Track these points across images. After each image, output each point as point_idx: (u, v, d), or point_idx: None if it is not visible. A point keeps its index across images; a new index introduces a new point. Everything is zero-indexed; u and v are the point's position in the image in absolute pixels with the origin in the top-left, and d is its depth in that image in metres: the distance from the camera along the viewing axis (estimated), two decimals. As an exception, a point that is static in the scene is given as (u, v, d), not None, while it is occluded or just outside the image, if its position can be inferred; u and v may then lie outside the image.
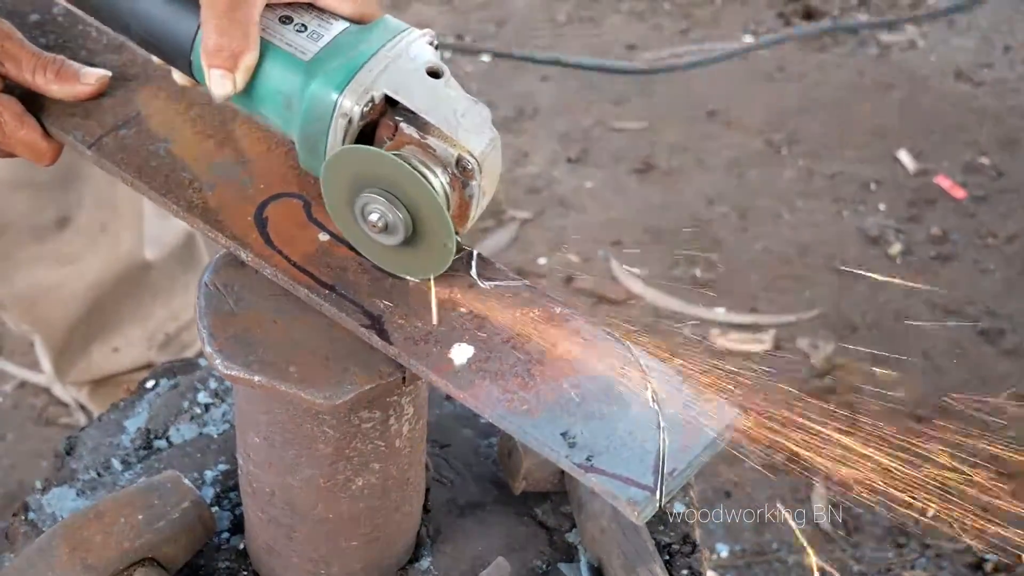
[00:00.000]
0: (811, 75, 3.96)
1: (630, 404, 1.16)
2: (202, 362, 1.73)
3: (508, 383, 1.17)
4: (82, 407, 2.85)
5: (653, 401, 1.16)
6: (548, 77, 3.94)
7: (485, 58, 4.05)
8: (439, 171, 1.16)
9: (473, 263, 1.26)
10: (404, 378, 1.21)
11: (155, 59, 1.34)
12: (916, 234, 3.33)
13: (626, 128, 3.74)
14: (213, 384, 1.68)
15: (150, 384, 1.69)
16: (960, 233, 3.33)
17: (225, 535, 1.51)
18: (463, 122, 1.16)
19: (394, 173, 1.15)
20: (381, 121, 1.18)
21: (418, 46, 1.19)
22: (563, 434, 1.13)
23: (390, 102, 1.18)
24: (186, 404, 1.66)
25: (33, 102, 1.37)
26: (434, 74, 1.18)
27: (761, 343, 2.97)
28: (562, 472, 1.51)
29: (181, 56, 1.25)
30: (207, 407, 1.66)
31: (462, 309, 1.22)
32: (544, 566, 1.48)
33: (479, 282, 1.25)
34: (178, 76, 1.30)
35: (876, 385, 2.85)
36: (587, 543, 1.47)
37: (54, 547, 1.36)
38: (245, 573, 1.47)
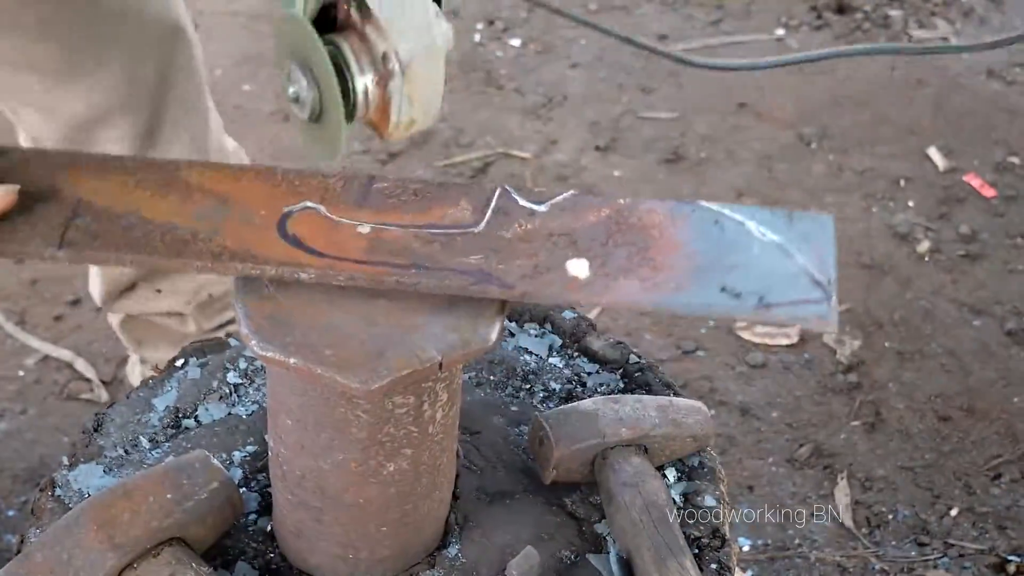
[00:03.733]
0: (842, 70, 3.94)
1: (749, 246, 1.24)
2: (232, 342, 1.72)
3: (640, 273, 1.21)
4: (104, 382, 2.85)
5: (763, 235, 1.24)
6: (578, 65, 3.93)
7: (515, 43, 4.04)
8: (367, 64, 1.18)
9: (516, 195, 1.29)
10: (441, 364, 1.20)
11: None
12: (945, 232, 3.31)
13: (656, 118, 3.72)
14: (243, 364, 1.67)
15: (179, 363, 1.69)
16: (989, 232, 3.30)
17: (253, 516, 1.50)
18: (402, 20, 1.16)
19: (313, 52, 1.16)
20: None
21: None
22: (723, 290, 1.19)
23: None
24: (215, 384, 1.65)
25: None
26: None
27: (787, 337, 2.96)
28: (592, 462, 1.50)
29: None
30: (236, 387, 1.65)
31: (543, 234, 1.25)
32: (573, 557, 1.47)
33: (535, 207, 1.28)
34: None
35: (902, 383, 2.85)
36: (617, 535, 1.45)
37: (81, 524, 1.35)
38: (272, 555, 1.46)
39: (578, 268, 1.22)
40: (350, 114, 1.20)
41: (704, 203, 1.29)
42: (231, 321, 2.46)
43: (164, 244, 1.25)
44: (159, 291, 2.38)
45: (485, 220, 1.27)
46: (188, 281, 2.37)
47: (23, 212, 1.28)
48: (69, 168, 1.34)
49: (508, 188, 1.30)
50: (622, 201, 1.29)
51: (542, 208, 1.28)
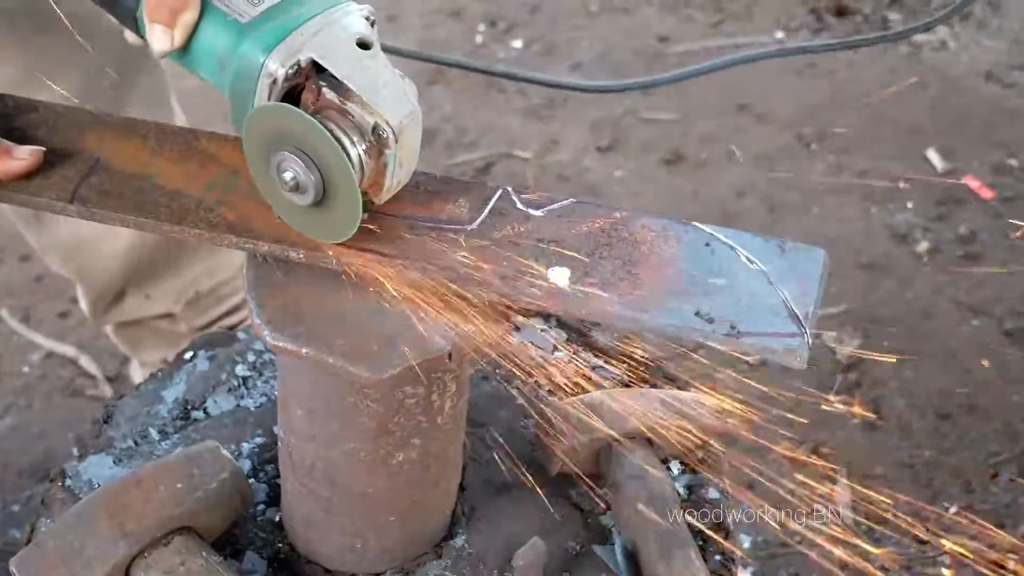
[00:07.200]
0: (842, 71, 3.95)
1: (735, 272, 1.24)
2: (240, 335, 1.73)
3: (619, 288, 1.21)
4: (108, 378, 2.87)
5: (751, 263, 1.24)
6: (580, 65, 3.94)
7: (517, 44, 4.05)
8: (356, 138, 1.19)
9: (515, 197, 1.31)
10: (450, 354, 1.21)
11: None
12: (944, 233, 3.32)
13: (657, 119, 3.73)
14: (251, 357, 1.69)
15: (188, 355, 1.70)
16: (988, 233, 3.32)
17: (261, 507, 1.52)
18: (384, 92, 1.18)
19: (309, 133, 1.17)
20: (307, 85, 1.21)
21: (352, 18, 1.22)
22: (697, 314, 1.19)
23: (317, 68, 1.20)
24: (224, 376, 1.67)
25: None
26: (363, 45, 1.20)
27: (788, 337, 2.97)
28: (598, 455, 1.51)
29: (129, 14, 1.26)
30: (245, 380, 1.66)
31: (532, 239, 1.26)
32: (578, 548, 1.48)
33: (531, 212, 1.29)
34: (130, 36, 1.30)
35: (901, 382, 2.87)
36: (622, 526, 1.47)
37: (93, 513, 1.37)
38: (281, 545, 1.48)
39: (559, 277, 1.22)
40: None
41: (699, 225, 1.29)
42: (220, 317, 2.47)
43: (168, 211, 1.29)
44: (148, 296, 2.38)
45: (480, 219, 1.29)
46: (176, 280, 2.38)
47: (45, 166, 1.33)
48: (94, 127, 1.39)
49: (510, 190, 1.32)
50: (618, 214, 1.29)
51: (539, 213, 1.29)
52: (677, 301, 1.20)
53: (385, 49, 1.25)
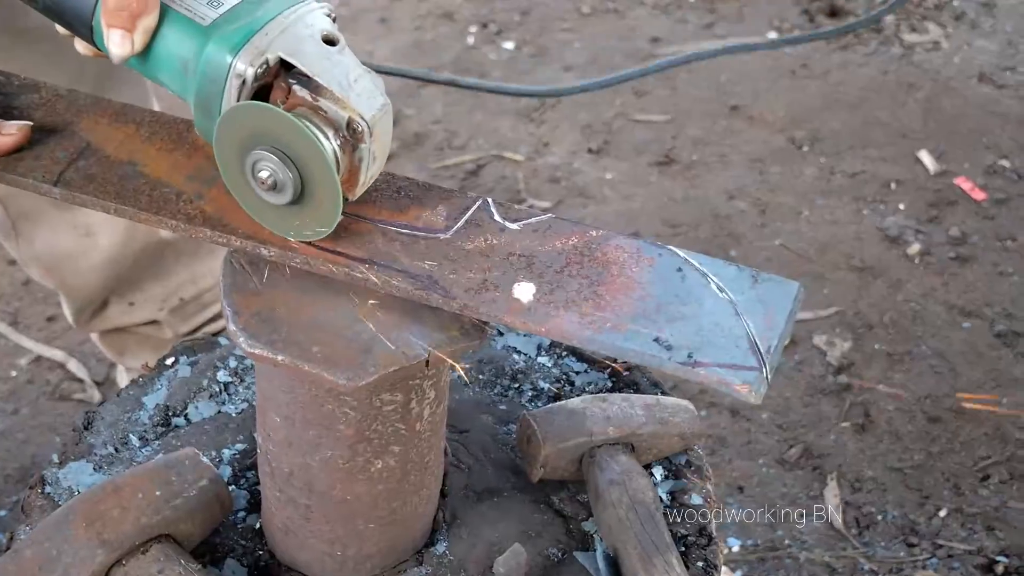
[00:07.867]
0: (834, 73, 3.95)
1: (703, 299, 1.21)
2: (222, 341, 1.73)
3: (582, 308, 1.20)
4: (96, 383, 2.86)
5: (721, 292, 1.21)
6: (571, 67, 3.94)
7: (509, 46, 4.05)
8: (331, 133, 1.18)
9: (493, 209, 1.30)
10: (427, 361, 1.21)
11: (61, 29, 1.30)
12: (935, 235, 3.32)
13: (648, 121, 3.73)
14: (232, 363, 1.68)
15: (169, 361, 1.69)
16: (979, 235, 3.32)
17: (241, 514, 1.51)
18: (355, 87, 1.18)
19: (285, 130, 1.16)
20: (275, 84, 1.20)
21: (315, 15, 1.21)
22: (656, 340, 1.17)
23: (285, 66, 1.19)
24: (205, 382, 1.66)
25: None
26: (329, 41, 1.20)
27: (777, 339, 2.97)
28: (580, 460, 1.51)
29: (83, 22, 1.24)
30: (226, 386, 1.66)
31: (504, 252, 1.25)
32: (560, 554, 1.48)
33: (508, 225, 1.28)
34: (80, 45, 1.29)
35: (891, 384, 2.87)
36: (603, 532, 1.46)
37: (71, 521, 1.36)
38: (261, 552, 1.47)
39: (523, 292, 1.21)
40: None
41: (674, 249, 1.27)
42: (205, 323, 2.46)
43: (148, 199, 1.29)
44: (132, 304, 2.38)
45: (454, 229, 1.28)
46: (159, 288, 2.37)
47: (33, 145, 1.33)
48: (90, 112, 1.39)
49: (489, 201, 1.31)
50: (594, 232, 1.28)
51: (514, 227, 1.28)
52: (638, 325, 1.18)
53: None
